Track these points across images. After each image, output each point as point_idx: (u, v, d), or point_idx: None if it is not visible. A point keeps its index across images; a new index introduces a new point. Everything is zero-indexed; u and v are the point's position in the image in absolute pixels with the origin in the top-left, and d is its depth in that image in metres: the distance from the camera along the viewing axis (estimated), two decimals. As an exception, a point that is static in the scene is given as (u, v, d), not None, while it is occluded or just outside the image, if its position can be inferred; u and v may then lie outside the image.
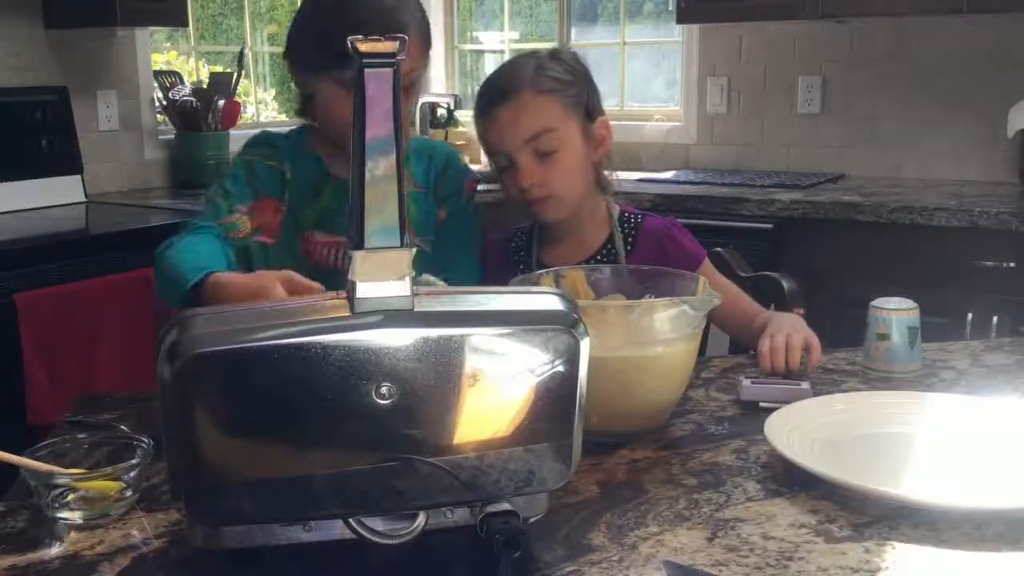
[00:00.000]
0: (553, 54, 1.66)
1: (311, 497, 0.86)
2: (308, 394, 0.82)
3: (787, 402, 1.31)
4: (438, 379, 0.85)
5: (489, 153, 1.65)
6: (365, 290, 0.84)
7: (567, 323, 0.89)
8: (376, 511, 0.88)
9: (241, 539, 0.89)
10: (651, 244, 1.70)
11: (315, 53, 1.52)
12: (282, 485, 0.86)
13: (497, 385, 0.87)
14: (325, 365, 0.82)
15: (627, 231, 1.71)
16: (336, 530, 0.90)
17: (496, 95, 1.61)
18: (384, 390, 0.83)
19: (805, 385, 1.39)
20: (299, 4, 1.69)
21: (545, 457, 0.91)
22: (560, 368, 0.89)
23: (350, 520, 0.87)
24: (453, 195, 1.72)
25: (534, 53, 1.67)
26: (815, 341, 1.48)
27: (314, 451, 0.85)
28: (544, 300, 0.92)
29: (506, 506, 0.90)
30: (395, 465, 0.85)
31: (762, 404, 1.36)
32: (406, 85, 1.51)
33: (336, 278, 1.52)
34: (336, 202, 1.63)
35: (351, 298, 0.84)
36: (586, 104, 1.64)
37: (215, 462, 0.84)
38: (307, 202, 1.64)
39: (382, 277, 0.84)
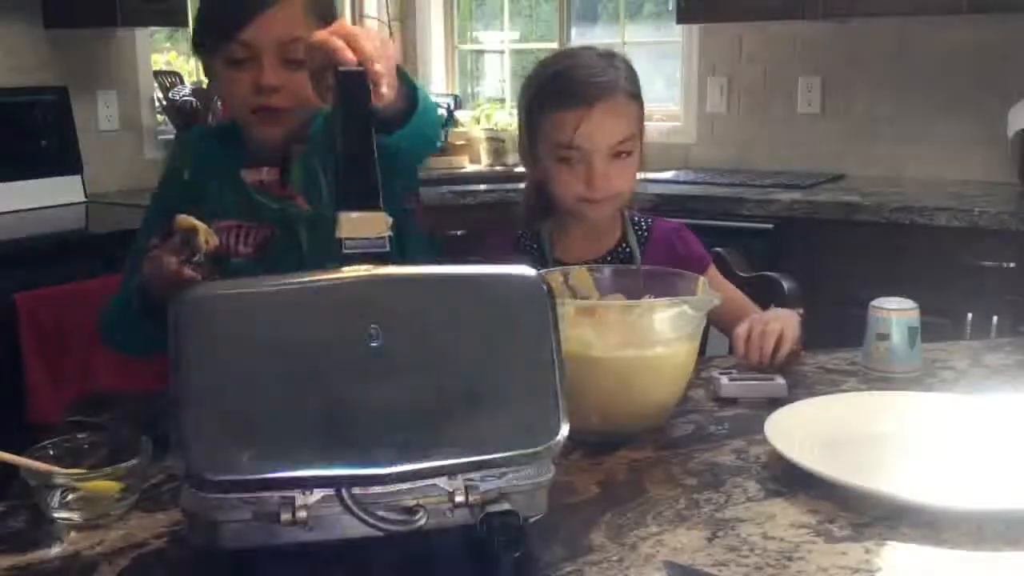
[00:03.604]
0: (614, 55, 1.68)
1: (306, 440, 0.87)
2: (304, 333, 0.89)
3: (765, 397, 1.36)
4: (421, 319, 0.91)
5: (557, 145, 1.62)
6: (350, 245, 0.96)
7: (535, 278, 0.96)
8: (370, 456, 0.88)
9: (241, 538, 0.89)
10: (662, 245, 1.73)
11: (207, 35, 1.54)
12: (278, 425, 0.87)
13: (475, 324, 0.93)
14: (320, 305, 0.90)
15: (639, 233, 1.73)
16: (337, 529, 0.89)
17: (594, 92, 1.59)
18: (372, 332, 0.88)
19: (780, 380, 1.41)
20: None
21: (533, 404, 0.92)
22: (532, 313, 0.94)
23: (351, 505, 0.87)
24: None
25: (596, 51, 1.67)
26: (789, 333, 1.47)
27: (310, 387, 0.88)
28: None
29: (506, 506, 0.91)
30: (389, 410, 0.88)
31: (740, 400, 1.39)
32: (299, 57, 1.44)
33: (227, 263, 1.52)
34: (229, 183, 1.59)
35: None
36: (644, 112, 1.68)
37: (216, 403, 0.87)
38: (204, 192, 1.60)
39: (364, 234, 0.96)
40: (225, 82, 1.54)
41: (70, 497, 1.05)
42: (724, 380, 1.41)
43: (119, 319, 1.55)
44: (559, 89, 1.63)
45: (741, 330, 1.48)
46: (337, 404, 0.88)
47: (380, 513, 0.88)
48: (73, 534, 1.02)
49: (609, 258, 1.70)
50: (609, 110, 1.59)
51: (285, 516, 0.86)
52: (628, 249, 1.71)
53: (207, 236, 1.34)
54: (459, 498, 0.89)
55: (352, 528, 0.89)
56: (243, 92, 1.50)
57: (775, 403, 1.37)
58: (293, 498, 0.86)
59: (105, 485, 1.05)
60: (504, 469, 0.90)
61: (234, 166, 1.59)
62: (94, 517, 1.04)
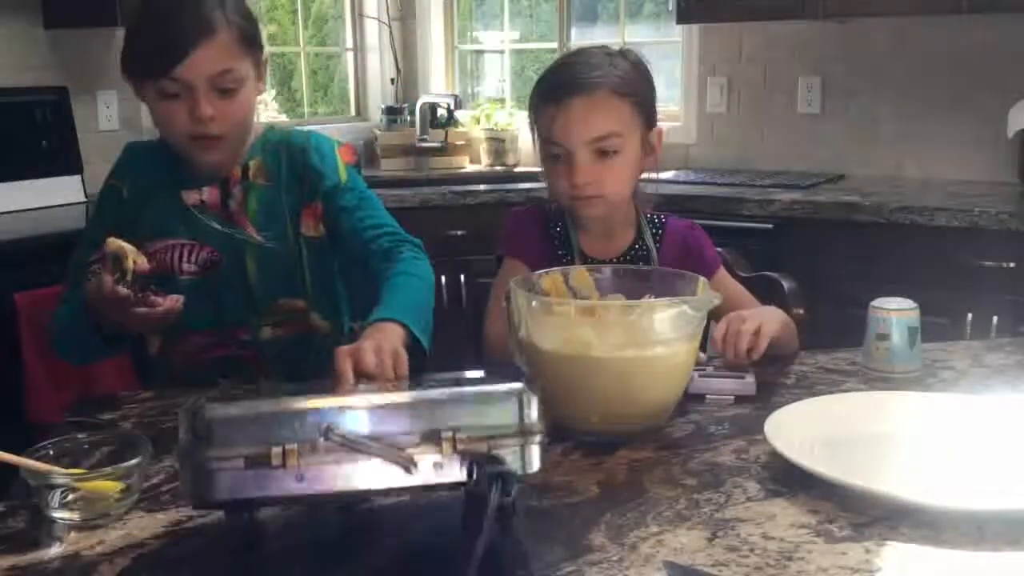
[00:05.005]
0: (624, 54, 1.66)
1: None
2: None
3: (733, 395, 1.38)
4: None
5: (545, 140, 1.63)
6: None
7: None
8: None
9: (234, 490, 0.89)
10: (676, 243, 1.74)
11: (138, 70, 1.54)
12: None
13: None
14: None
15: (654, 232, 1.73)
16: (329, 480, 0.89)
17: (572, 86, 1.59)
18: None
19: (750, 378, 1.41)
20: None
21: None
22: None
23: (340, 437, 0.87)
24: (325, 178, 1.66)
25: (606, 49, 1.66)
26: (768, 329, 1.46)
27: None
28: None
29: (496, 459, 0.91)
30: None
31: (708, 397, 1.40)
32: (231, 86, 1.53)
33: (175, 282, 1.57)
34: (171, 203, 1.63)
35: None
36: (648, 111, 1.65)
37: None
38: (144, 210, 1.63)
39: None
40: (160, 112, 1.55)
41: (70, 497, 1.05)
42: (693, 376, 1.39)
43: (65, 330, 1.57)
44: (548, 84, 1.65)
45: (719, 331, 1.48)
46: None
47: (370, 443, 0.88)
48: (73, 534, 1.02)
49: (625, 258, 1.70)
50: (589, 105, 1.58)
51: (276, 461, 0.86)
52: (645, 248, 1.72)
53: (135, 258, 1.39)
54: (447, 446, 0.89)
55: (345, 479, 0.89)
56: (179, 122, 1.53)
57: (744, 401, 1.39)
58: (283, 443, 0.87)
59: (105, 485, 1.05)
60: (476, 406, 0.92)
61: (174, 186, 1.63)
62: (94, 517, 1.04)
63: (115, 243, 1.40)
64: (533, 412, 0.94)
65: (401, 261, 1.55)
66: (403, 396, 0.93)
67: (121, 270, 1.38)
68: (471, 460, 0.90)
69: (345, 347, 1.26)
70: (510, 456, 0.92)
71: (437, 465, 0.90)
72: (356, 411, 0.90)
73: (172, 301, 1.41)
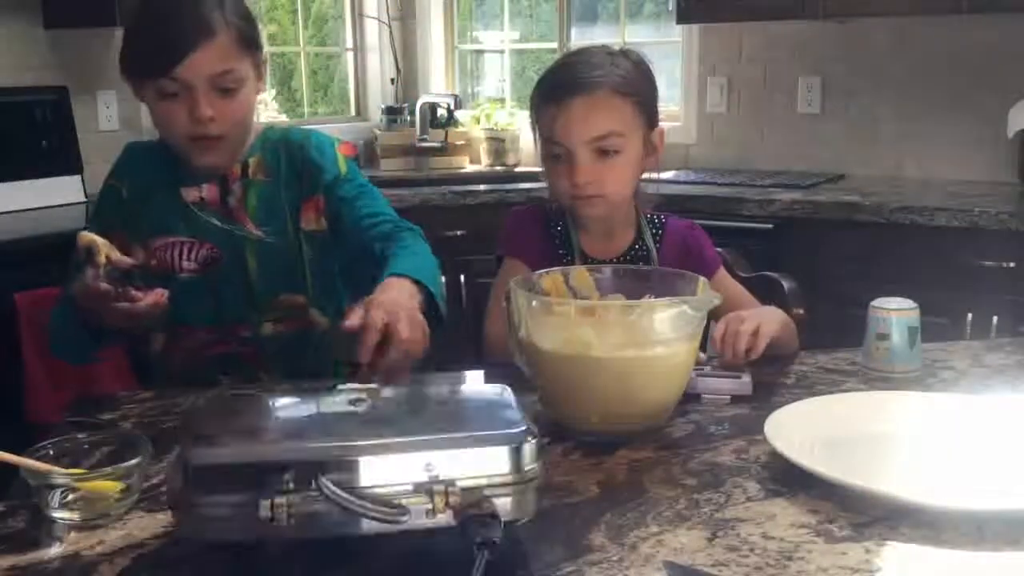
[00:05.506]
0: (626, 54, 1.65)
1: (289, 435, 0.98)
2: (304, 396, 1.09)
3: (729, 394, 1.39)
4: (403, 394, 1.11)
5: (546, 140, 1.64)
6: None
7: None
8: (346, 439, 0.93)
9: (226, 533, 0.88)
10: (675, 243, 1.74)
11: (137, 70, 1.54)
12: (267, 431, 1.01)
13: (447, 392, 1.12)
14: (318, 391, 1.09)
15: (654, 232, 1.73)
16: (320, 527, 0.89)
17: (573, 86, 1.59)
18: (363, 398, 1.04)
19: (746, 378, 1.41)
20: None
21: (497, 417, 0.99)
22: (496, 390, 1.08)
23: (328, 489, 0.87)
24: (325, 171, 1.66)
25: (608, 49, 1.65)
26: (767, 328, 1.46)
27: (303, 417, 1.07)
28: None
29: (490, 510, 0.90)
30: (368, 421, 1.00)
31: (705, 397, 1.39)
32: (231, 86, 1.53)
33: (174, 280, 1.57)
34: (170, 201, 1.62)
35: None
36: (649, 111, 1.65)
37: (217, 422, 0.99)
38: (144, 209, 1.63)
39: None
40: (159, 112, 1.55)
41: (70, 497, 1.05)
42: (690, 375, 1.38)
43: (59, 329, 1.57)
44: (549, 84, 1.65)
45: (718, 331, 1.48)
46: (324, 423, 1.02)
47: (361, 501, 0.87)
48: (73, 534, 1.02)
49: (625, 258, 1.70)
50: (589, 104, 1.58)
51: (264, 513, 0.86)
52: (645, 248, 1.72)
53: (108, 252, 1.37)
54: (439, 499, 0.88)
55: (336, 527, 0.89)
56: (179, 123, 1.53)
57: (742, 400, 1.39)
58: (272, 493, 0.86)
59: (105, 485, 1.05)
60: (471, 450, 0.91)
61: (173, 184, 1.63)
62: (94, 517, 1.04)
63: (87, 236, 1.39)
64: (530, 457, 0.92)
65: (402, 240, 1.56)
66: (398, 438, 0.92)
67: (94, 264, 1.36)
68: (461, 519, 0.89)
69: (357, 307, 1.25)
70: (505, 502, 0.91)
71: (429, 512, 0.89)
72: (349, 459, 0.89)
73: (155, 296, 1.38)
